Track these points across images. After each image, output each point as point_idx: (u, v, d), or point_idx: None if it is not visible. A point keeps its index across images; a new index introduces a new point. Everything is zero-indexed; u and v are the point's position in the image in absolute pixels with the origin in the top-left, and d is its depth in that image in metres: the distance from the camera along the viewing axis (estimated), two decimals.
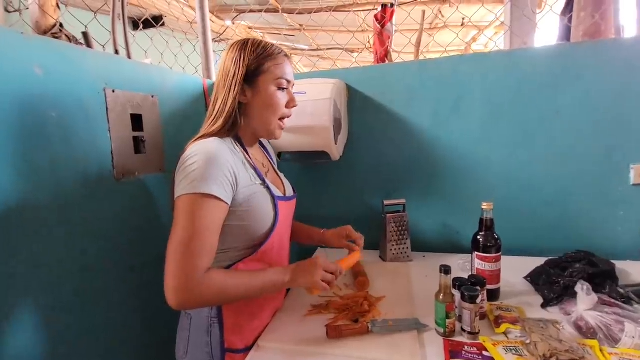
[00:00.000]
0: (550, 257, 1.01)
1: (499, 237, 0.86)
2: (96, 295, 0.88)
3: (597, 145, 1.10)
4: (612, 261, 0.93)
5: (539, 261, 1.01)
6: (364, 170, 1.33)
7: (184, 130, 1.15)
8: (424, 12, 2.51)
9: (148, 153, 1.03)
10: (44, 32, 0.94)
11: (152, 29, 1.73)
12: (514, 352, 0.66)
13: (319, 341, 0.75)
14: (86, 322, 0.85)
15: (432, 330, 0.76)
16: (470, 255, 0.90)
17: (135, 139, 0.99)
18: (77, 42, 1.00)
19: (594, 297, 0.74)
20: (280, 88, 0.79)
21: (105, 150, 0.90)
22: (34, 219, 0.74)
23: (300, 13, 2.77)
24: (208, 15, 1.45)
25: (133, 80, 1.01)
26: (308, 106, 1.10)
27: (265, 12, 3.04)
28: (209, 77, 1.45)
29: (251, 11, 3.19)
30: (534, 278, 0.96)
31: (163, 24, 2.73)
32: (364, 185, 1.33)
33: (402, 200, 1.20)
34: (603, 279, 0.86)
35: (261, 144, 0.95)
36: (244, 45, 0.77)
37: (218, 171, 0.67)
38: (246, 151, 0.80)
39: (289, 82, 0.81)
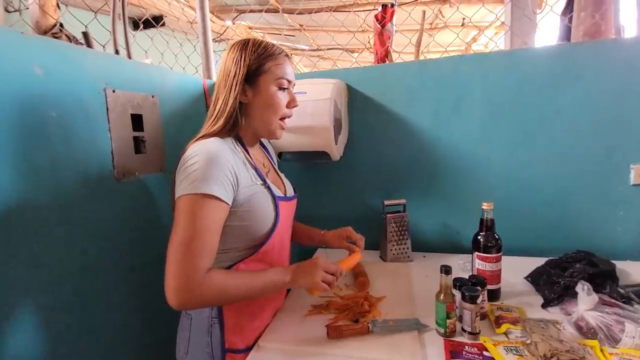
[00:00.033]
0: (550, 257, 1.01)
1: (499, 237, 0.86)
2: (96, 295, 0.88)
3: (597, 145, 1.10)
4: (613, 261, 0.93)
5: (540, 261, 1.01)
6: (364, 170, 1.33)
7: (184, 130, 1.15)
8: (424, 12, 2.51)
9: (148, 153, 1.03)
10: (44, 32, 0.94)
11: (152, 29, 1.73)
12: (514, 352, 0.66)
13: (319, 341, 0.74)
14: (86, 322, 0.85)
15: (432, 331, 0.76)
16: (471, 255, 0.90)
17: (135, 139, 0.99)
18: (77, 42, 1.00)
19: (595, 297, 0.74)
20: (281, 88, 0.79)
21: (105, 150, 0.90)
22: (34, 219, 0.74)
23: (300, 13, 2.77)
24: (208, 15, 1.45)
25: (133, 80, 1.01)
26: (308, 106, 1.10)
27: (265, 12, 3.04)
28: (209, 77, 1.45)
29: (251, 11, 3.19)
30: (534, 278, 0.96)
31: (163, 24, 2.74)
32: (364, 185, 1.33)
33: (403, 201, 1.20)
34: (603, 279, 0.86)
35: (262, 144, 0.95)
36: (244, 45, 0.77)
37: (219, 171, 0.67)
38: (247, 151, 0.80)
39: (289, 82, 0.81)
